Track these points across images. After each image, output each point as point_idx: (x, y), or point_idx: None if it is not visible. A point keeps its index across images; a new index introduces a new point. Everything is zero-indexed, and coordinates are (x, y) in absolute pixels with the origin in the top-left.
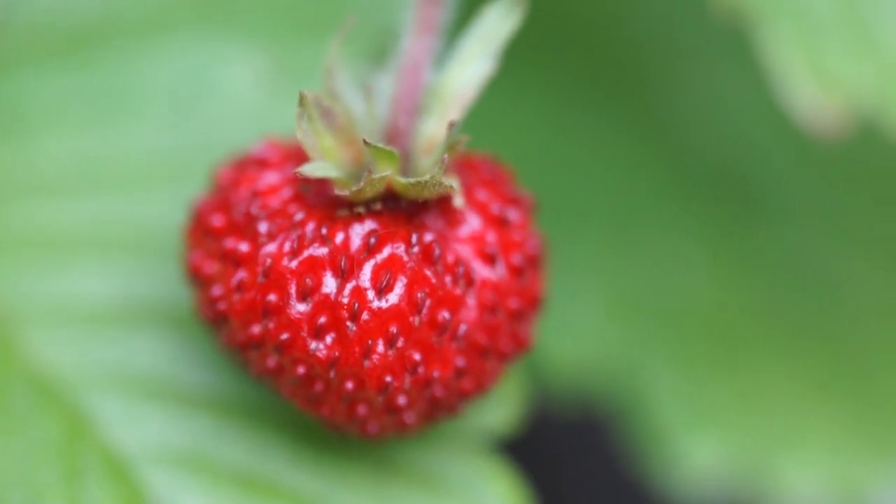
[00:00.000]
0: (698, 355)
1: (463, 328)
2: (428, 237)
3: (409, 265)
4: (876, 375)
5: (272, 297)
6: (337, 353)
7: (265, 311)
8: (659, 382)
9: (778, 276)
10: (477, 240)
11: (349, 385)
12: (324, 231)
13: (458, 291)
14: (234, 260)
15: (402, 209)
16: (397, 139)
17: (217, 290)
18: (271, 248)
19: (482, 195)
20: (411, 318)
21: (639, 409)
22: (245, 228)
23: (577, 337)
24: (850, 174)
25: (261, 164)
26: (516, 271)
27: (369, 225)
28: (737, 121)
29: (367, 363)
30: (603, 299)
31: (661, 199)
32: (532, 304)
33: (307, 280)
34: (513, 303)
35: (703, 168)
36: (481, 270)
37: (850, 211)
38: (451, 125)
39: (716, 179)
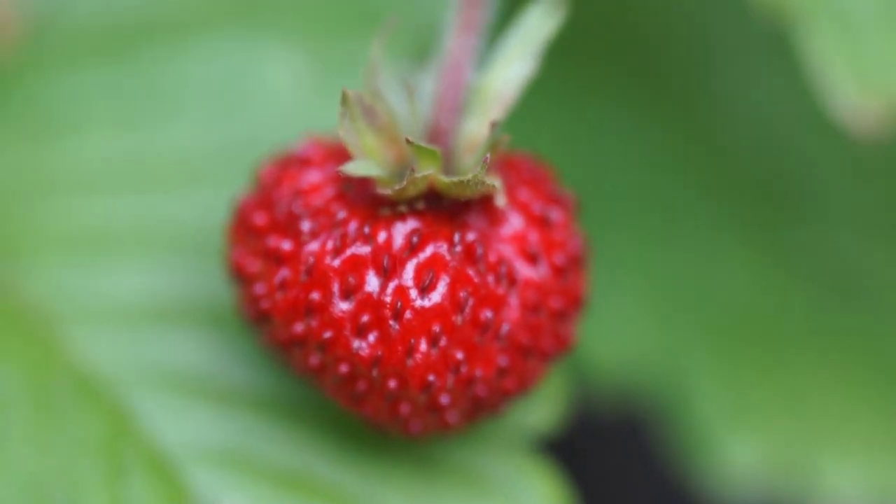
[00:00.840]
0: (739, 356)
1: (505, 327)
2: (470, 236)
3: (451, 264)
4: None
5: (315, 296)
6: (380, 352)
7: (308, 310)
8: (700, 383)
9: (819, 277)
10: (519, 239)
11: (392, 384)
12: (366, 230)
13: (500, 291)
14: (277, 258)
15: (444, 208)
16: (439, 138)
17: (260, 289)
18: (314, 246)
19: (524, 194)
20: (454, 317)
21: (680, 410)
22: (288, 227)
23: (619, 337)
24: (891, 175)
25: (303, 162)
26: (559, 271)
27: (412, 224)
28: (777, 121)
29: (409, 362)
30: (645, 299)
31: (702, 198)
32: (574, 303)
33: (350, 278)
34: (555, 302)
35: (744, 168)
36: (524, 270)
37: (890, 212)
38: (494, 124)
39: (756, 179)
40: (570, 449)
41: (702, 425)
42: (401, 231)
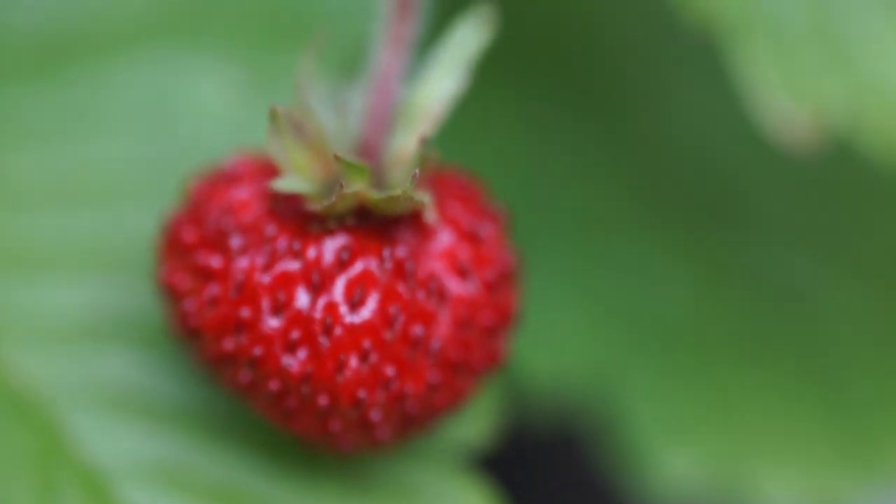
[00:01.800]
0: (675, 368)
1: (436, 343)
2: (400, 252)
3: (381, 280)
4: (851, 389)
5: (245, 312)
6: (310, 368)
7: (238, 326)
8: (636, 395)
9: (754, 290)
10: (449, 255)
11: (322, 400)
12: (296, 246)
13: (430, 306)
14: (207, 274)
15: (374, 224)
16: (369, 154)
17: (189, 305)
18: (243, 262)
19: (454, 210)
20: (384, 333)
21: (616, 423)
22: (217, 243)
23: (554, 351)
24: (827, 190)
25: (233, 178)
26: (489, 286)
27: (341, 239)
28: (711, 133)
29: (340, 378)
30: (580, 313)
31: (638, 212)
32: (506, 318)
33: (280, 295)
34: (486, 318)
35: (680, 182)
36: (454, 285)
37: (827, 226)
38: (423, 140)
39: (692, 193)
40: (506, 464)
41: (638, 438)
42: (330, 247)
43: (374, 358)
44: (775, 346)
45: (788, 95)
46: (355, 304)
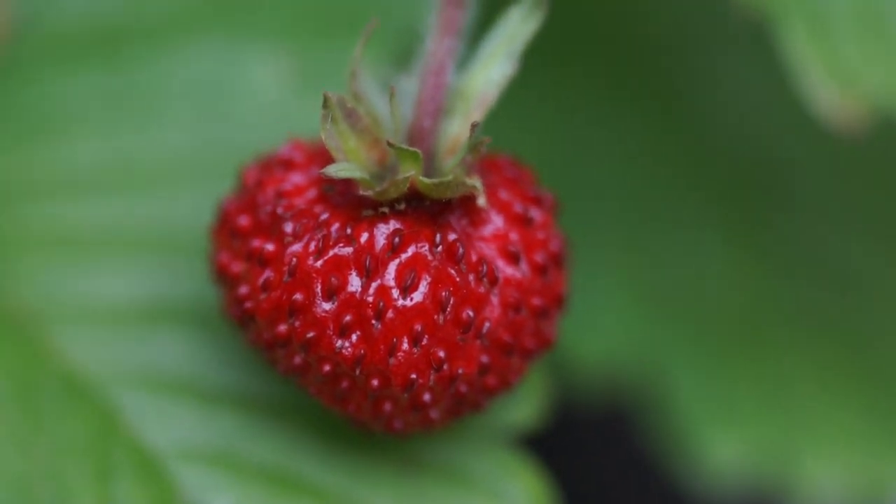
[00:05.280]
0: (722, 350)
1: (487, 326)
2: (451, 236)
3: (433, 264)
4: None
5: (298, 297)
6: (362, 351)
7: (291, 310)
8: (683, 378)
9: (801, 273)
10: (500, 238)
11: (375, 382)
12: (348, 231)
13: (481, 290)
14: (261, 259)
15: (425, 209)
16: (421, 140)
17: (243, 290)
18: (297, 247)
19: (505, 195)
20: (436, 316)
21: (663, 405)
22: (271, 228)
23: (602, 333)
24: (872, 169)
25: (286, 164)
26: (539, 269)
27: (393, 225)
28: (759, 117)
29: (392, 361)
30: (627, 296)
31: (684, 195)
32: (555, 301)
33: (332, 279)
34: (536, 300)
35: (726, 164)
36: (505, 269)
37: (876, 209)
38: (474, 126)
39: (739, 175)
40: (553, 445)
41: (684, 419)
42: (383, 232)
43: (425, 341)
44: (823, 331)
45: (831, 78)
46: (407, 288)
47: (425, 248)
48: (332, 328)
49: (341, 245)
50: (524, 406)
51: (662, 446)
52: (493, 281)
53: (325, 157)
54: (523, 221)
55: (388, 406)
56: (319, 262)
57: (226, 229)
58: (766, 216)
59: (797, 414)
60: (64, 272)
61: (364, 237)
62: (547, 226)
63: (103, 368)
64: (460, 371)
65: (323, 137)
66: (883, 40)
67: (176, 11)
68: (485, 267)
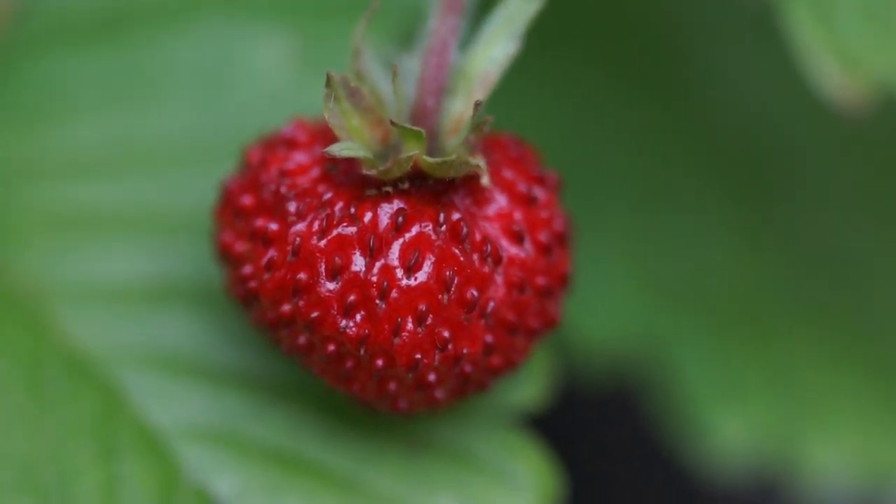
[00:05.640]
0: (726, 331)
1: (491, 305)
2: (455, 216)
3: (437, 243)
4: None
5: (302, 276)
6: (367, 331)
7: (295, 290)
8: (687, 358)
9: (806, 254)
10: (504, 218)
11: (379, 362)
12: (352, 210)
13: (485, 269)
14: (264, 239)
15: (429, 188)
16: (424, 119)
17: (247, 269)
18: (300, 227)
19: (508, 174)
20: (440, 296)
21: (667, 385)
22: (274, 208)
23: (606, 313)
24: (878, 156)
25: (290, 143)
26: (544, 249)
27: (397, 204)
28: (764, 101)
29: (396, 341)
30: (630, 275)
31: (688, 176)
32: (560, 281)
33: (336, 259)
34: (540, 280)
35: (729, 146)
36: (509, 248)
37: (877, 193)
38: (478, 105)
39: (741, 158)
40: (558, 424)
41: (688, 399)
42: (386, 211)
43: (430, 320)
44: (826, 313)
45: (838, 60)
46: (411, 267)
47: (429, 228)
48: (336, 308)
49: (345, 224)
50: (529, 386)
51: (667, 427)
52: (498, 260)
53: (329, 137)
54: (527, 201)
55: (392, 386)
56: (323, 242)
57: (229, 209)
58: (772, 198)
59: (801, 396)
60: (68, 252)
61: (368, 216)
62: (551, 205)
63: (107, 348)
64: (465, 351)
65: (326, 116)
66: (888, 22)
67: None
68: (489, 246)
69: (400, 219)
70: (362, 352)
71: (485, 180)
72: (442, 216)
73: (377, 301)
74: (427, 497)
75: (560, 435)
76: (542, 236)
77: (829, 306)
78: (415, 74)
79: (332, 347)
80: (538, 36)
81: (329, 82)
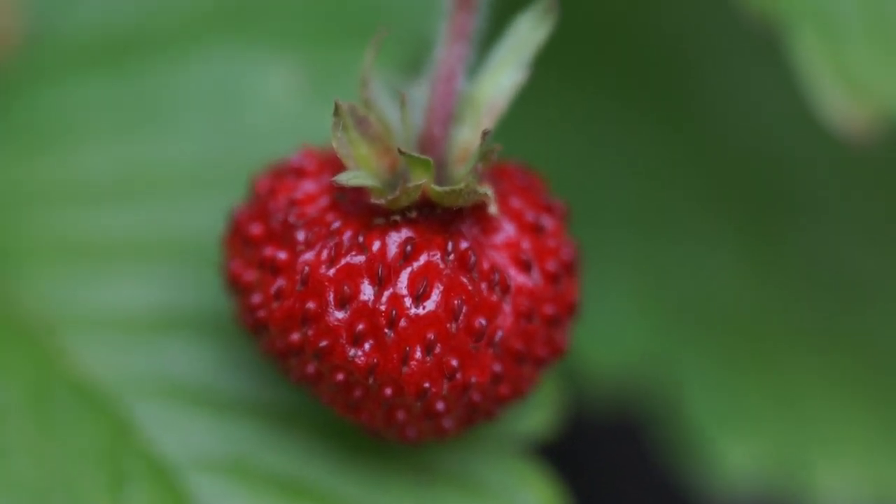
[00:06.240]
0: (733, 358)
1: (499, 334)
2: (463, 244)
3: (445, 272)
4: None
5: (311, 305)
6: (375, 360)
7: (304, 319)
8: (694, 385)
9: (813, 279)
10: (512, 247)
11: (388, 391)
12: (360, 239)
13: (494, 298)
14: (273, 268)
15: (437, 217)
16: (432, 148)
17: (256, 298)
18: (309, 256)
19: (516, 203)
20: (448, 325)
21: (674, 412)
22: (283, 237)
23: (613, 341)
24: (886, 180)
25: (298, 172)
26: (551, 278)
27: (405, 233)
28: (770, 125)
29: (405, 369)
30: (638, 304)
31: (694, 202)
32: (567, 310)
33: (345, 288)
34: (548, 309)
35: (737, 171)
36: (517, 277)
37: (886, 217)
38: (485, 134)
39: (749, 183)
40: (566, 453)
41: (696, 427)
42: (394, 240)
43: (438, 349)
44: (833, 336)
45: (842, 87)
46: (419, 296)
47: (437, 257)
48: (344, 337)
49: (353, 253)
50: (537, 415)
51: (674, 455)
52: (506, 289)
53: (337, 165)
54: (535, 229)
55: (401, 414)
56: (332, 271)
57: (238, 237)
58: (781, 223)
59: (809, 422)
60: (77, 281)
61: (376, 245)
62: (558, 234)
63: (116, 377)
64: (473, 379)
65: (334, 145)
66: (894, 48)
67: (187, 21)
68: (497, 275)
69: (408, 248)
70: (371, 381)
71: (493, 209)
72: (450, 245)
73: (386, 330)
74: None
75: (568, 463)
76: (550, 265)
77: (836, 332)
78: (422, 103)
79: (340, 376)
80: (544, 64)
81: (337, 111)
